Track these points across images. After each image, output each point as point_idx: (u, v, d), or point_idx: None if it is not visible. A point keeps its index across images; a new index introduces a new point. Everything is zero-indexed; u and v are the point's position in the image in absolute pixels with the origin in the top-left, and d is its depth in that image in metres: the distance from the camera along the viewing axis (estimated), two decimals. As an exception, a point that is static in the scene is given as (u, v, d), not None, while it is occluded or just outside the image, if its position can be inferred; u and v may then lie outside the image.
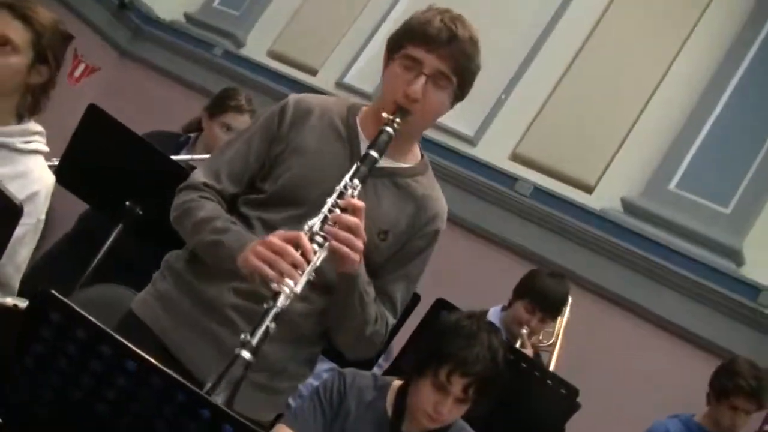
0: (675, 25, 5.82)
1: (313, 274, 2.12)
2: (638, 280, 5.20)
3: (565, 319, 4.10)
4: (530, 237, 5.57)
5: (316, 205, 2.23)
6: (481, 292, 4.92)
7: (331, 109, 2.44)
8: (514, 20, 6.33)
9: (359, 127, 2.41)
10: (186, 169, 3.15)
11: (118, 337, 1.73)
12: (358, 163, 2.24)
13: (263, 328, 2.03)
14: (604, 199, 5.60)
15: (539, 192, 5.70)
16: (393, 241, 2.38)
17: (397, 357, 3.27)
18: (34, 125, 2.69)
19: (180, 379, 1.80)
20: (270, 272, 2.08)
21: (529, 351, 3.75)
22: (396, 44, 2.34)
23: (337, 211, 2.17)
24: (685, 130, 5.54)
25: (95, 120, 3.19)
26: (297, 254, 2.09)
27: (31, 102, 2.66)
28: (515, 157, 6.00)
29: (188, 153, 3.84)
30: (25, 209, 2.00)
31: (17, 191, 2.49)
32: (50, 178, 2.67)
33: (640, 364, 4.87)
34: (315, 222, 2.16)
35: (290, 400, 3.37)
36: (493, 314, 3.99)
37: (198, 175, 2.44)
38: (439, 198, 2.49)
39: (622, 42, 5.93)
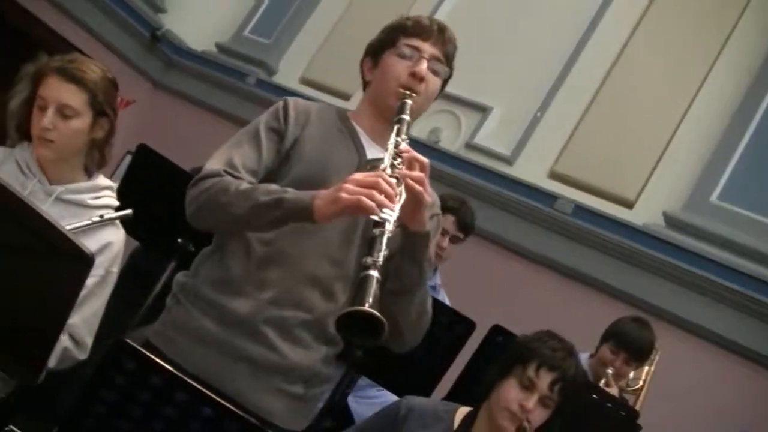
0: (710, 34, 5.79)
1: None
2: (687, 295, 5.15)
3: (654, 367, 4.16)
4: (574, 255, 5.53)
5: None
6: (530, 316, 4.90)
7: (324, 111, 2.52)
8: (547, 37, 6.33)
9: (355, 124, 2.49)
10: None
11: (194, 384, 1.74)
12: (397, 125, 2.29)
13: (383, 249, 2.01)
14: (646, 214, 5.57)
15: (580, 209, 5.68)
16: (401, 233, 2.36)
17: (454, 387, 3.25)
18: (102, 180, 2.77)
19: (257, 423, 1.81)
20: (370, 204, 2.06)
21: (614, 390, 3.83)
22: (388, 42, 2.46)
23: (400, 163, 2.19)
24: (724, 141, 5.49)
25: (145, 159, 3.22)
26: (385, 184, 2.09)
27: (98, 156, 2.73)
28: (553, 175, 5.98)
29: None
30: (96, 260, 2.03)
31: (89, 244, 2.55)
32: (123, 233, 2.73)
33: (694, 380, 4.81)
34: (386, 165, 2.18)
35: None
36: (581, 360, 4.00)
37: (211, 165, 2.38)
38: (435, 195, 2.50)
39: (656, 54, 5.91)
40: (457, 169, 6.02)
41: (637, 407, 4.05)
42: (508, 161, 6.12)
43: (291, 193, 2.20)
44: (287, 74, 7.55)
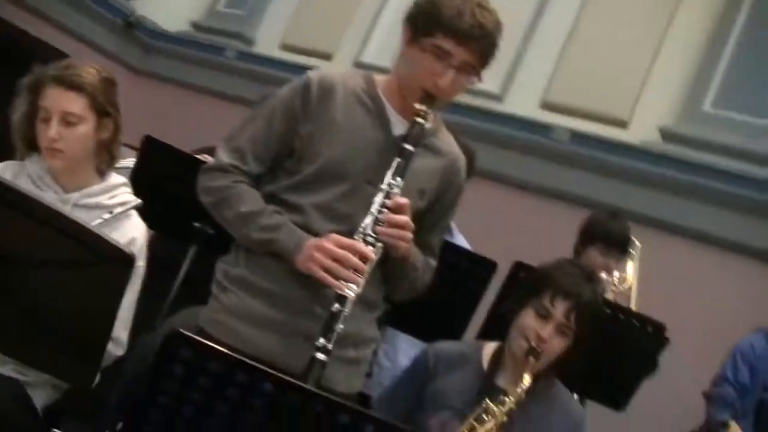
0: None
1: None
2: (692, 206, 5.18)
3: (636, 261, 4.11)
4: (577, 182, 5.57)
5: (360, 177, 2.41)
6: (542, 247, 4.96)
7: (352, 83, 2.50)
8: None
9: (383, 99, 2.49)
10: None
11: (253, 363, 1.79)
12: (398, 159, 2.36)
13: (336, 331, 2.25)
14: (642, 132, 5.58)
15: (576, 136, 5.70)
16: (429, 197, 2.51)
17: (483, 327, 3.31)
18: (115, 178, 2.81)
19: (319, 391, 1.87)
20: (334, 282, 2.28)
21: (609, 296, 3.77)
22: (425, 28, 2.38)
23: (385, 210, 2.32)
24: (709, 48, 5.49)
25: (151, 150, 3.26)
26: (356, 260, 2.28)
27: (107, 157, 2.76)
28: (545, 106, 6.00)
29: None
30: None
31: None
32: (144, 226, 2.78)
33: (709, 286, 4.88)
34: (367, 223, 2.32)
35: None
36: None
37: (223, 156, 2.48)
38: (458, 150, 2.64)
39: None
40: (447, 113, 6.03)
41: (633, 306, 4.07)
42: (498, 98, 6.13)
43: (281, 235, 2.37)
44: (266, 43, 7.54)
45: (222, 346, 2.14)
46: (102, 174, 2.80)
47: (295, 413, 1.81)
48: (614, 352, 3.12)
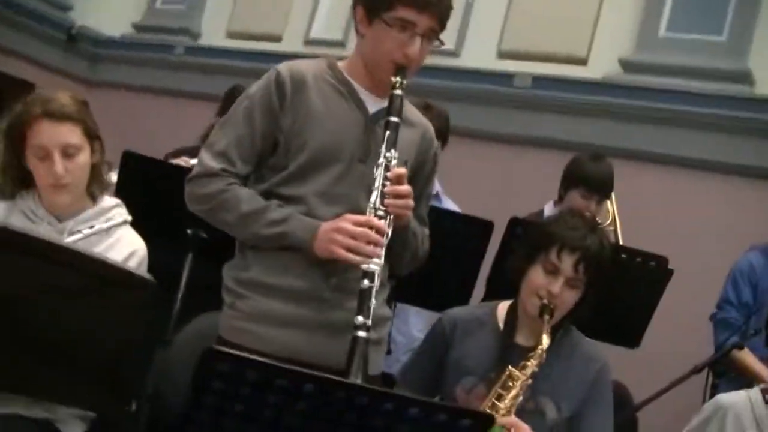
0: None
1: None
2: (663, 132, 5.24)
3: (613, 195, 4.15)
4: (545, 126, 5.62)
5: (351, 158, 2.46)
6: (524, 195, 5.00)
7: (318, 70, 2.53)
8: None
9: (351, 81, 2.53)
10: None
11: (292, 367, 1.80)
12: (387, 132, 2.39)
13: (372, 307, 2.26)
14: (602, 66, 5.63)
15: (538, 80, 5.74)
16: (411, 167, 2.54)
17: (487, 287, 3.33)
18: (108, 200, 2.78)
19: (363, 384, 1.88)
20: (358, 258, 2.30)
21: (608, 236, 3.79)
22: (383, 3, 2.41)
23: (388, 183, 2.36)
24: (657, -27, 5.53)
25: (131, 164, 3.24)
26: (373, 234, 2.31)
27: (99, 179, 2.75)
28: (502, 55, 6.04)
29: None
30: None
31: (114, 257, 2.61)
32: (142, 242, 2.76)
33: (695, 210, 4.94)
34: (375, 199, 2.36)
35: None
36: (549, 210, 4.03)
37: (209, 161, 2.48)
38: (425, 119, 2.71)
39: None
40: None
41: (620, 239, 4.13)
42: (454, 53, 6.14)
43: (292, 226, 2.39)
44: (212, 33, 7.51)
45: (249, 353, 2.12)
46: (94, 198, 2.77)
47: (338, 409, 1.82)
48: (621, 291, 3.15)
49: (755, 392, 2.92)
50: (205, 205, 2.49)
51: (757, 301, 3.88)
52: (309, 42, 6.95)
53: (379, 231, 2.32)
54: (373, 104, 2.52)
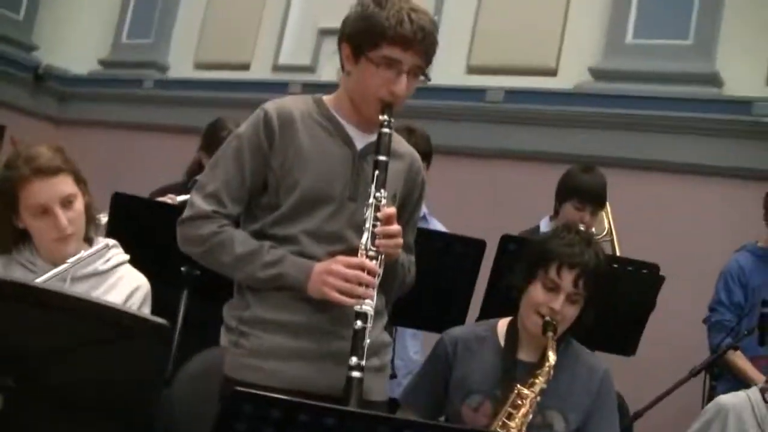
0: None
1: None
2: (637, 137, 5.30)
3: (608, 207, 4.20)
4: (521, 139, 5.66)
5: (341, 197, 2.48)
6: (507, 209, 5.05)
7: (305, 108, 2.57)
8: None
9: (338, 117, 2.56)
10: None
11: (312, 403, 1.81)
12: (377, 172, 2.43)
13: (365, 347, 2.31)
14: (572, 76, 5.69)
15: (511, 94, 5.79)
16: (400, 198, 2.60)
17: (484, 305, 3.36)
18: (103, 242, 2.76)
19: (380, 413, 1.90)
20: (352, 301, 2.35)
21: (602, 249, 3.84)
22: (369, 43, 2.44)
23: (378, 224, 2.40)
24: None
25: (122, 205, 3.25)
26: (366, 276, 2.36)
27: (92, 222, 2.75)
28: (472, 71, 6.09)
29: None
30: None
31: (116, 299, 2.61)
32: (144, 278, 2.77)
33: (676, 214, 4.98)
34: (366, 240, 2.40)
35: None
36: (545, 225, 4.07)
37: (200, 203, 2.49)
38: (411, 148, 2.75)
39: None
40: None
41: (617, 249, 4.18)
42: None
43: (286, 267, 2.41)
44: (180, 65, 7.51)
45: (258, 389, 2.21)
46: (90, 241, 2.77)
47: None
48: (615, 301, 3.18)
49: (754, 392, 2.97)
50: (199, 247, 2.50)
51: (748, 302, 3.94)
52: (278, 68, 6.98)
53: (371, 272, 2.36)
54: (361, 140, 2.54)
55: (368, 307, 2.33)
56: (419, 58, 2.43)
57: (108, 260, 2.75)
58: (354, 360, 2.28)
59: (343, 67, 2.56)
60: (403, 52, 2.40)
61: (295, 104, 2.56)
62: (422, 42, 2.42)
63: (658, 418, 3.51)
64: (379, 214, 2.38)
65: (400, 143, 2.67)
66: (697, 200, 5.02)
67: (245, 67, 7.13)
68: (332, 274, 2.36)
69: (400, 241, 2.44)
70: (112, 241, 2.81)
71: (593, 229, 3.98)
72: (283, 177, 2.47)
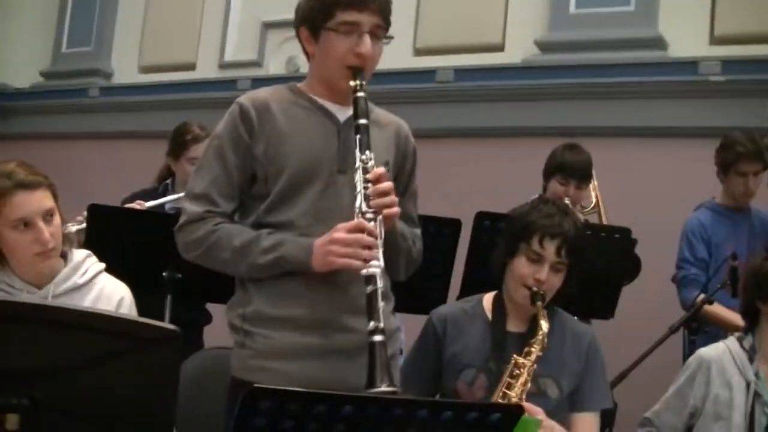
0: None
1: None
2: (587, 106, 5.37)
3: (596, 180, 4.36)
4: (474, 116, 5.70)
5: (329, 171, 2.47)
6: (469, 187, 5.11)
7: (279, 95, 2.56)
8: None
9: (313, 96, 2.56)
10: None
11: (328, 392, 1.85)
12: (358, 136, 2.42)
13: (380, 309, 2.28)
14: (519, 49, 5.74)
15: (460, 72, 5.83)
16: (393, 167, 2.60)
17: (464, 283, 3.41)
18: (78, 253, 2.77)
19: (394, 396, 1.94)
20: (358, 263, 2.32)
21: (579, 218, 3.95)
22: (323, 16, 2.46)
23: (369, 185, 2.37)
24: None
25: (98, 216, 3.25)
26: (367, 237, 2.33)
27: (67, 237, 2.76)
28: (420, 52, 6.12)
29: (175, 198, 3.91)
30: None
31: (103, 307, 2.62)
32: (124, 286, 2.76)
33: (635, 177, 5.06)
34: (359, 203, 2.37)
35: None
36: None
37: (192, 207, 2.49)
38: (396, 118, 2.72)
39: None
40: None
41: (604, 219, 4.31)
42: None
43: (287, 249, 2.40)
44: (124, 71, 7.44)
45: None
46: (65, 256, 2.76)
47: (376, 424, 1.88)
48: (591, 267, 3.25)
49: (732, 341, 3.06)
50: (198, 249, 2.48)
51: (713, 257, 4.05)
52: (224, 66, 6.95)
53: (371, 234, 2.34)
54: (342, 113, 2.53)
55: (375, 268, 2.31)
56: (376, 17, 2.44)
57: (85, 272, 2.74)
58: (372, 324, 2.26)
59: (307, 54, 2.57)
60: (359, 13, 2.42)
61: (268, 93, 2.56)
62: (375, 0, 2.43)
63: (640, 377, 3.60)
64: (368, 176, 2.37)
65: (382, 114, 2.66)
66: (653, 162, 5.11)
67: (191, 67, 7.09)
68: (334, 242, 2.34)
69: (395, 199, 2.41)
70: (85, 252, 2.80)
71: (582, 203, 4.13)
72: (268, 164, 2.47)
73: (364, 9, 2.42)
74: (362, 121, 2.42)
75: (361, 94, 2.44)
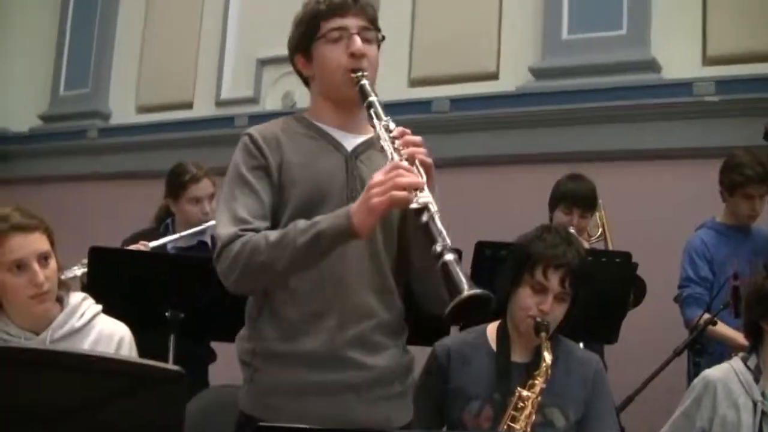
0: None
1: None
2: (583, 130, 5.39)
3: (603, 210, 4.44)
4: (470, 145, 5.73)
5: (339, 202, 2.35)
6: (466, 216, 5.09)
7: (286, 126, 2.53)
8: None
9: (319, 124, 2.52)
10: (198, 256, 3.26)
11: (334, 429, 1.85)
12: (371, 110, 2.33)
13: (443, 229, 2.10)
14: (513, 77, 5.77)
15: (456, 102, 5.86)
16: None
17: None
18: (74, 297, 2.77)
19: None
20: (403, 194, 2.12)
21: (585, 245, 3.99)
22: (310, 34, 2.48)
23: (396, 142, 2.24)
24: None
25: (100, 259, 3.26)
26: (407, 172, 2.15)
27: (63, 282, 2.76)
28: (414, 83, 6.15)
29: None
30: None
31: (103, 349, 2.61)
32: (123, 326, 2.76)
33: (634, 201, 5.06)
34: (390, 152, 2.23)
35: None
36: None
37: (224, 231, 2.36)
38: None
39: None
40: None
41: (611, 246, 4.33)
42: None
43: (323, 221, 2.24)
44: (122, 112, 7.48)
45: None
46: (60, 299, 2.75)
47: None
48: (594, 292, 3.25)
49: (736, 361, 3.06)
50: (237, 268, 2.31)
51: (716, 276, 4.05)
52: (221, 103, 6.99)
53: (411, 171, 2.15)
54: (349, 142, 2.49)
55: (425, 198, 2.10)
56: (360, 18, 2.44)
57: (82, 315, 2.74)
58: (438, 248, 2.04)
59: (306, 83, 2.57)
60: (342, 18, 2.42)
61: (275, 125, 2.53)
62: (356, 3, 2.45)
63: (646, 400, 3.59)
64: (393, 133, 2.25)
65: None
66: (652, 184, 5.12)
67: (188, 105, 7.13)
68: (372, 187, 2.17)
69: (425, 150, 2.25)
70: (81, 294, 2.81)
71: (589, 232, 4.16)
72: (278, 193, 2.42)
73: (346, 13, 2.44)
74: (372, 98, 2.34)
75: (364, 80, 2.38)
